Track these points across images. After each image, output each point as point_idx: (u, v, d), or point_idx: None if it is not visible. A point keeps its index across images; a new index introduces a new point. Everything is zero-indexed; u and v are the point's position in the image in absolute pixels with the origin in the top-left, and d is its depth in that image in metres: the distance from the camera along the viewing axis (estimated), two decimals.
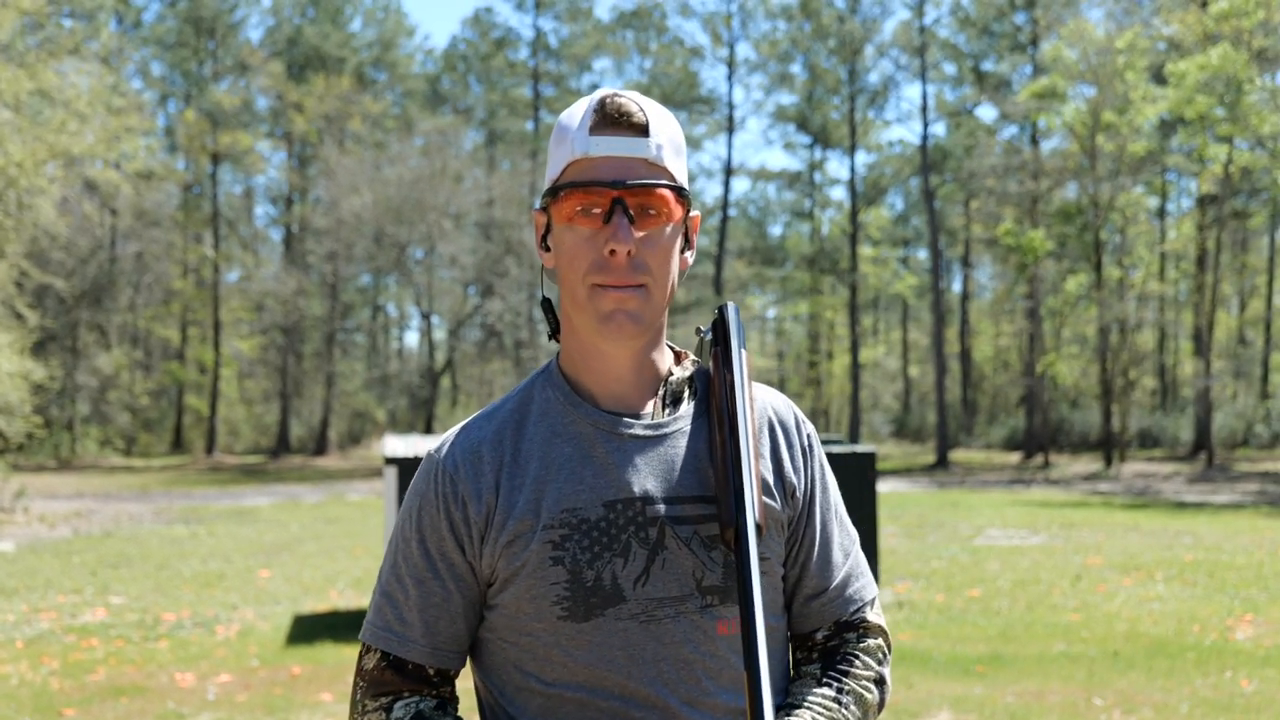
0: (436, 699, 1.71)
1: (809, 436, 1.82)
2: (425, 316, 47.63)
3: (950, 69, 52.88)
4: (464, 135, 49.07)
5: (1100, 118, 35.98)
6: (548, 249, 1.74)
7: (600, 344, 1.71)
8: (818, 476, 1.81)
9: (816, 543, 1.79)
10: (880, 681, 1.78)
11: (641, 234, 1.65)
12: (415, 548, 1.72)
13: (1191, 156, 38.78)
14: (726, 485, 1.62)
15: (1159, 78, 37.64)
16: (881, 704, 1.78)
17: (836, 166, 78.88)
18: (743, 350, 1.75)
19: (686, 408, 1.75)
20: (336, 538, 18.47)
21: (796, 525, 1.78)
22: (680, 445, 1.71)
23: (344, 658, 9.06)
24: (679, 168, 1.70)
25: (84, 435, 43.94)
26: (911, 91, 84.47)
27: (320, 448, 46.28)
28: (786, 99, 54.45)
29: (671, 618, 1.64)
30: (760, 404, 1.80)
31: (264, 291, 45.90)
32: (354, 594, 12.52)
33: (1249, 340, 49.00)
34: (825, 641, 1.79)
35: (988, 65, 51.22)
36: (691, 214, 1.74)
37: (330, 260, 43.76)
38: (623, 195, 1.64)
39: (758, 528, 1.59)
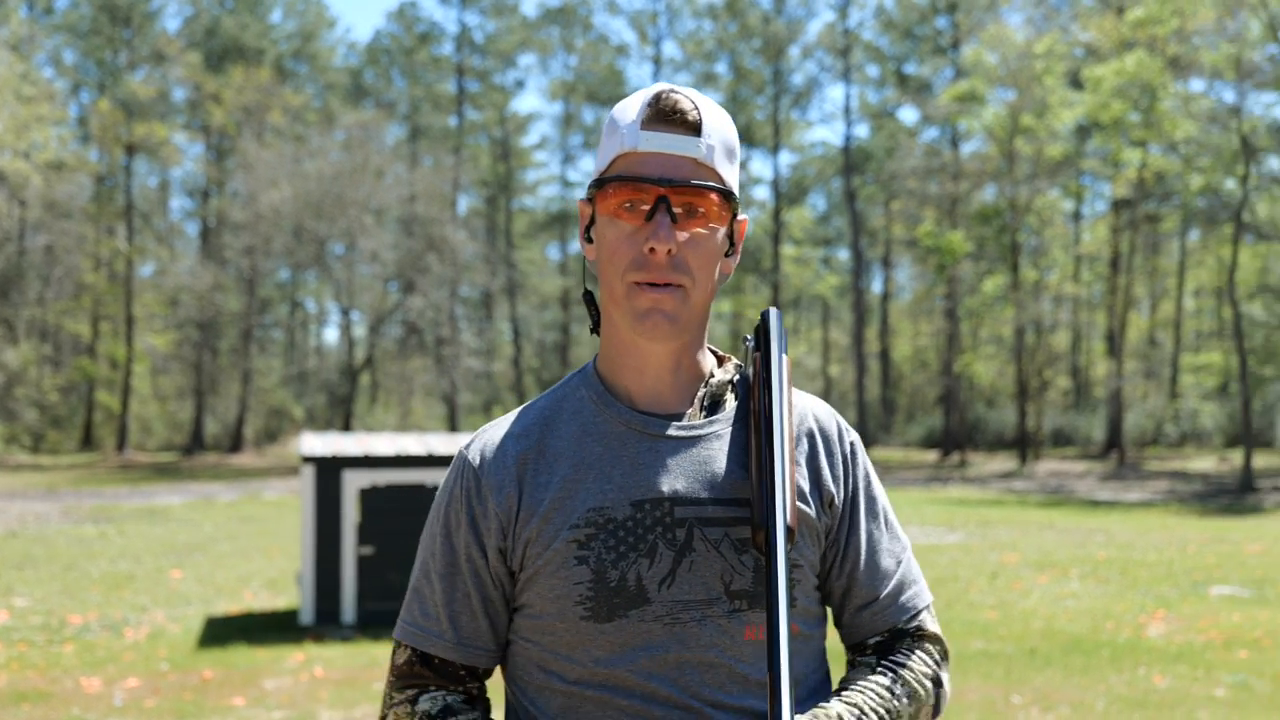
0: (464, 695, 1.70)
1: (851, 445, 1.78)
2: (345, 313, 47.18)
3: (873, 71, 53.40)
4: (386, 130, 48.62)
5: (1019, 121, 36.48)
6: (590, 240, 1.71)
7: (637, 341, 1.68)
8: (861, 485, 1.77)
9: (863, 552, 1.75)
10: (938, 682, 1.74)
11: (684, 235, 1.63)
12: (440, 544, 1.72)
13: (1106, 160, 39.44)
14: (759, 487, 1.59)
15: (1076, 83, 38.24)
16: (938, 708, 1.73)
17: (760, 166, 79.24)
18: (783, 355, 1.72)
19: (725, 411, 1.72)
20: (252, 537, 18.19)
21: (837, 535, 1.74)
22: (715, 448, 1.68)
23: (257, 661, 8.89)
24: (729, 170, 1.67)
25: None
26: (835, 93, 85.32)
27: (236, 445, 45.62)
28: (711, 98, 54.52)
29: (697, 621, 1.61)
30: (800, 411, 1.76)
31: (179, 286, 45.11)
32: (269, 595, 12.31)
33: (1159, 342, 49.96)
34: (878, 644, 1.76)
35: (910, 68, 51.79)
36: (739, 218, 1.71)
37: (248, 255, 43.16)
38: (667, 194, 1.62)
39: (789, 530, 1.55)
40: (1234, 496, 25.85)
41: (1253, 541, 16.94)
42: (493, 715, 1.73)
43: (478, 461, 1.70)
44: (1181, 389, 44.32)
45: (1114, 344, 40.92)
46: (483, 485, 1.68)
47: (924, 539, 17.45)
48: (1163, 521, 20.38)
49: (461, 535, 1.68)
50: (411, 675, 1.70)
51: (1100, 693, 7.82)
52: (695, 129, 1.62)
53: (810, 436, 1.74)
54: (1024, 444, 38.01)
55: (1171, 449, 42.07)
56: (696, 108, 1.63)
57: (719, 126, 1.65)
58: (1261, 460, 34.29)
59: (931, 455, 44.46)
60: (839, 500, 1.73)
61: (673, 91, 1.64)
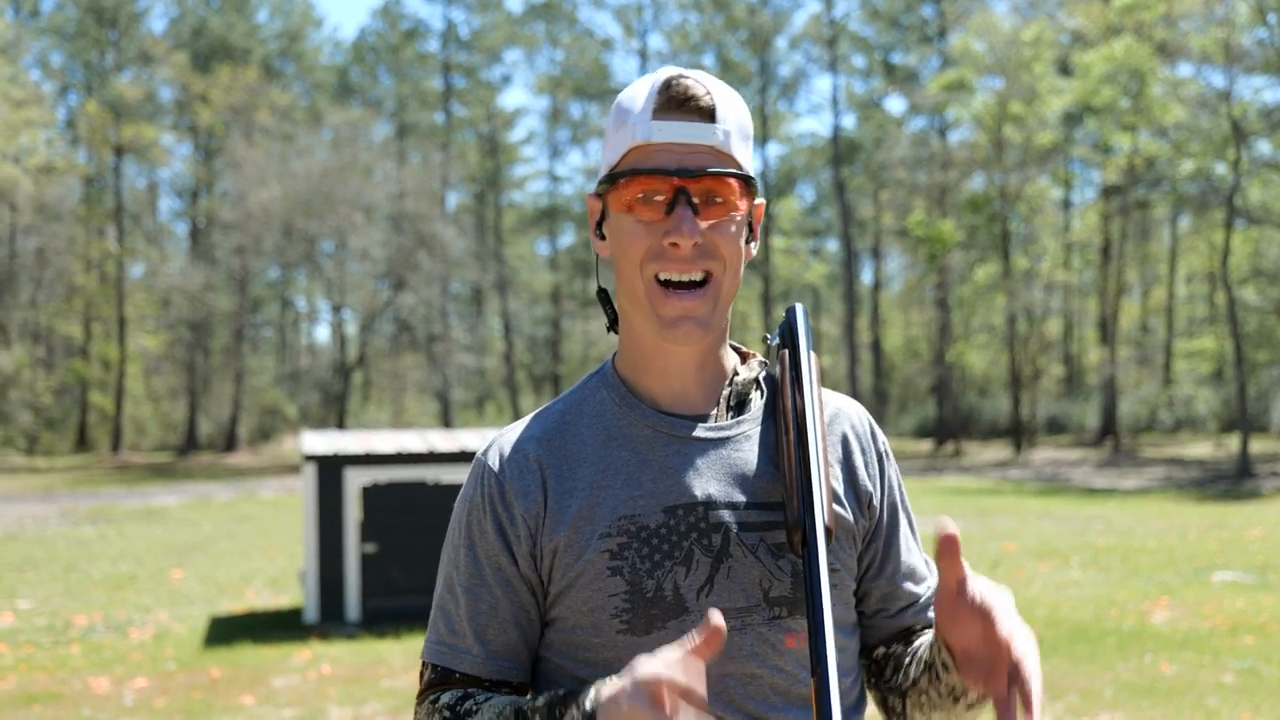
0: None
1: (883, 445, 1.73)
2: (336, 310, 47.09)
3: (860, 61, 53.41)
4: (374, 127, 48.51)
5: (1007, 109, 36.51)
6: (602, 237, 1.64)
7: (661, 343, 1.61)
8: (896, 485, 1.74)
9: (903, 553, 1.73)
10: None
11: (706, 224, 1.55)
12: (464, 555, 1.63)
13: (1096, 147, 39.49)
14: (794, 488, 1.53)
15: (1064, 70, 38.30)
16: None
17: None
18: (811, 352, 1.65)
19: (753, 411, 1.66)
20: (250, 536, 18.17)
21: (875, 538, 1.70)
22: (745, 449, 1.62)
23: (264, 659, 8.88)
24: (745, 154, 1.60)
25: None
26: (822, 83, 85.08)
27: (230, 445, 45.56)
28: None
29: (737, 630, 1.54)
30: (832, 410, 1.70)
31: (170, 286, 45.03)
32: (271, 594, 12.30)
33: (1152, 328, 50.06)
34: (904, 633, 1.72)
35: (897, 57, 51.80)
36: (756, 202, 1.63)
37: (238, 254, 43.08)
38: (687, 184, 1.54)
39: (827, 531, 1.49)
40: (1231, 482, 25.91)
41: (1253, 527, 16.98)
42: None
43: (498, 466, 1.62)
44: (1175, 375, 44.43)
45: (1106, 331, 41.00)
46: (506, 490, 1.60)
47: (922, 529, 17.42)
48: (1161, 508, 20.43)
49: (488, 543, 1.60)
50: (435, 689, 1.62)
51: (1108, 680, 7.83)
52: (710, 115, 1.55)
53: (844, 436, 1.69)
54: (1018, 432, 38.08)
55: (1166, 435, 42.16)
56: (709, 92, 1.56)
57: (733, 109, 1.58)
58: (1258, 445, 34.37)
59: (926, 445, 44.53)
60: (876, 501, 1.69)
61: (682, 76, 1.56)
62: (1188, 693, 7.46)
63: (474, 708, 1.55)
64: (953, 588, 1.46)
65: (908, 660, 1.67)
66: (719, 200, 1.56)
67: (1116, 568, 13.06)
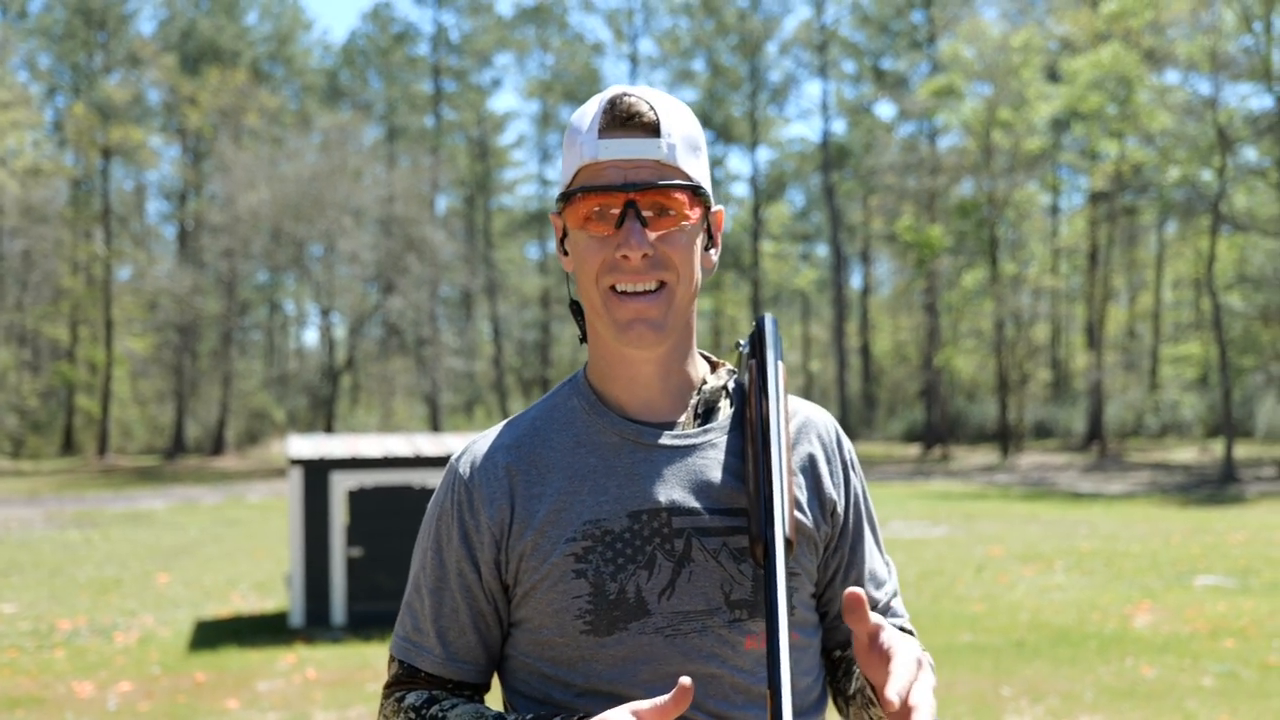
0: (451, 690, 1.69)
1: (849, 453, 1.77)
2: (325, 314, 47.01)
3: (850, 67, 53.55)
4: (363, 131, 48.48)
5: (996, 115, 36.62)
6: (566, 253, 1.68)
7: (624, 350, 1.67)
8: (860, 493, 1.78)
9: (866, 560, 1.76)
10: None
11: (656, 234, 1.61)
12: (431, 558, 1.69)
13: (1084, 153, 39.62)
14: (756, 498, 1.57)
15: (1053, 76, 38.43)
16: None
17: (738, 163, 79.45)
18: (779, 362, 1.69)
19: (720, 419, 1.70)
20: (237, 540, 18.15)
21: (840, 544, 1.74)
22: (711, 457, 1.66)
23: (249, 663, 8.89)
24: (695, 165, 1.65)
25: None
26: (812, 88, 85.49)
27: (217, 448, 45.45)
28: (689, 95, 54.72)
29: (698, 632, 1.59)
30: (801, 419, 1.74)
31: (158, 289, 44.90)
32: (257, 597, 12.30)
33: (1138, 333, 50.20)
34: None
35: (886, 63, 51.94)
36: (714, 210, 1.69)
37: (227, 257, 42.99)
38: (634, 198, 1.60)
39: (787, 542, 1.52)
40: (1216, 487, 26.01)
41: (1236, 531, 17.07)
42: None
43: (468, 474, 1.68)
44: (1161, 380, 44.56)
45: (1093, 336, 41.13)
46: (474, 498, 1.66)
47: (909, 533, 17.52)
48: (1145, 512, 20.51)
49: (453, 549, 1.66)
50: (400, 686, 1.69)
51: (1089, 683, 7.88)
52: (654, 130, 1.60)
53: (809, 444, 1.73)
54: (1005, 437, 38.16)
55: (1152, 440, 42.30)
56: (653, 108, 1.61)
57: (678, 123, 1.63)
58: (1242, 450, 34.49)
59: (913, 449, 44.60)
60: (840, 508, 1.73)
61: (626, 94, 1.61)
62: (1167, 695, 7.51)
63: (440, 714, 1.61)
64: (865, 641, 1.51)
65: (856, 670, 1.72)
66: (669, 212, 1.61)
67: (1100, 572, 13.12)
